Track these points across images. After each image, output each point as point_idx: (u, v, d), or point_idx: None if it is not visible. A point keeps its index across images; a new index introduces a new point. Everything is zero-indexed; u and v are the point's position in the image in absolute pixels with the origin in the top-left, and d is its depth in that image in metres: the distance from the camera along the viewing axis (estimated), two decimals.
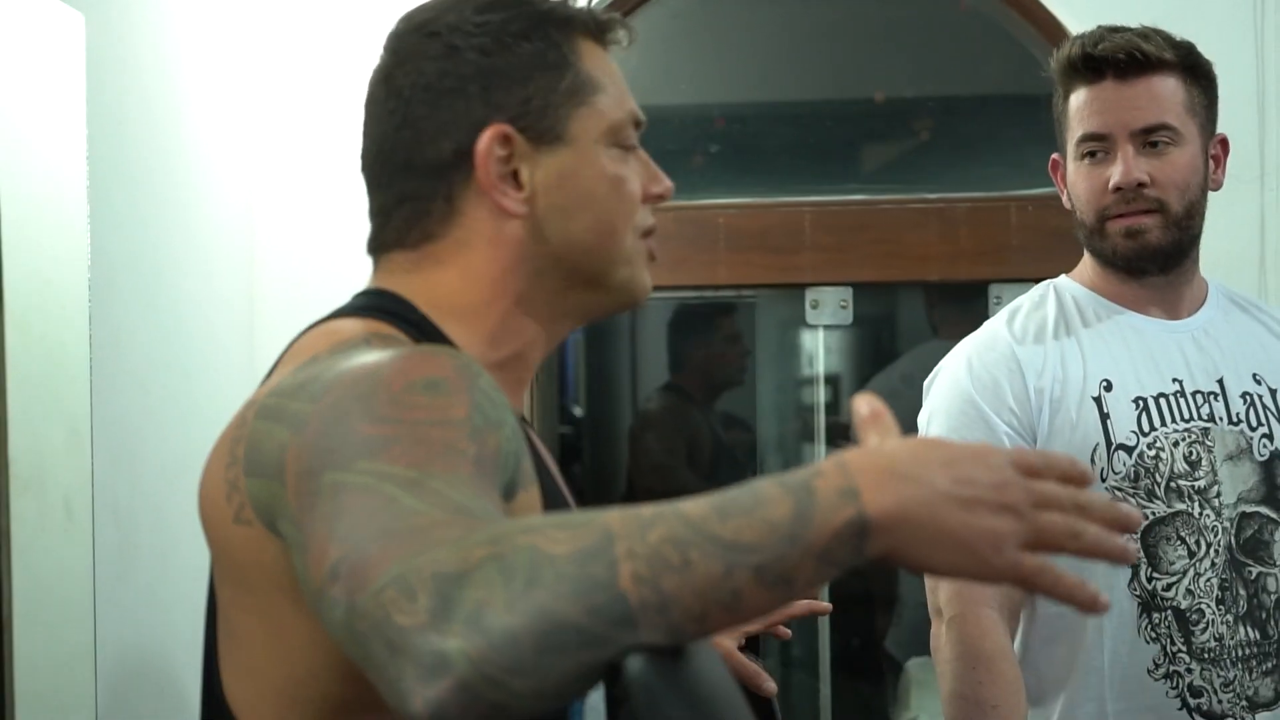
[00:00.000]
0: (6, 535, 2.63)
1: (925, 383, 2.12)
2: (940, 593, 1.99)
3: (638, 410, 4.57)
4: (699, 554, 0.87)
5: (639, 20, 3.72)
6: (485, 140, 1.21)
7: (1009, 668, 1.95)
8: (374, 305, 1.23)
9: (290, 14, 3.49)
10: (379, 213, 1.26)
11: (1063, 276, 2.14)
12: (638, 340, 4.46)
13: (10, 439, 2.47)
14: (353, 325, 1.19)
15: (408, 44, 1.25)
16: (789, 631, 1.57)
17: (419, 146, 1.22)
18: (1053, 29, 3.58)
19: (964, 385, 2.03)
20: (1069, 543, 0.93)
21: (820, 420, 3.87)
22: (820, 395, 3.86)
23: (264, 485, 1.05)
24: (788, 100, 4.11)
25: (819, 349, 3.84)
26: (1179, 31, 2.09)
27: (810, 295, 3.75)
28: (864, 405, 1.00)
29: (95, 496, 2.57)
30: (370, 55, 1.32)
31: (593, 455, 4.50)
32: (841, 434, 4.08)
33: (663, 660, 0.88)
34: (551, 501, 1.18)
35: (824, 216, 3.71)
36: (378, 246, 1.27)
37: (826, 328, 3.81)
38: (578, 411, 4.76)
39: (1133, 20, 2.09)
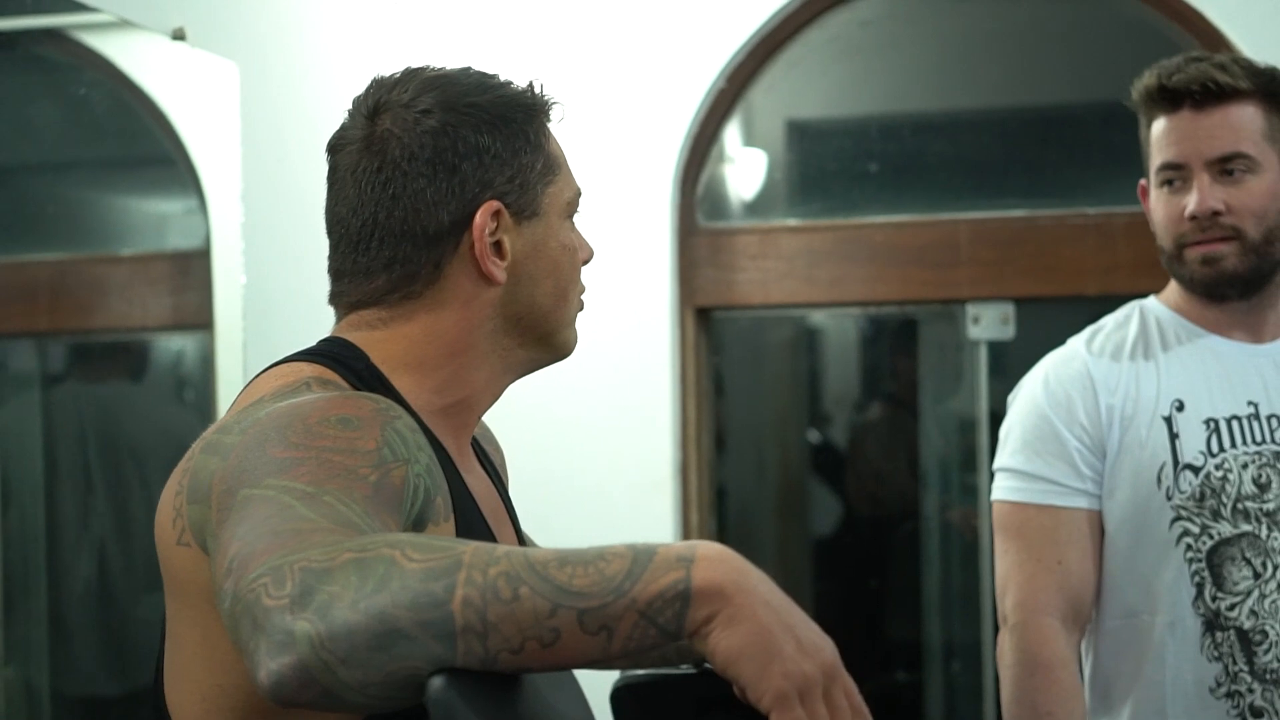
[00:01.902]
0: None
1: (1009, 397, 2.16)
2: (1006, 600, 2.03)
3: (858, 419, 4.70)
4: (529, 591, 0.95)
5: (802, 38, 3.80)
6: (482, 214, 1.33)
7: (1066, 676, 1.98)
8: (328, 352, 1.35)
9: (436, 53, 3.66)
10: (358, 271, 1.36)
11: (1151, 297, 2.16)
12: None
13: None
14: (300, 369, 1.31)
15: (399, 117, 1.34)
16: None
17: (415, 215, 1.32)
18: (1216, 42, 3.52)
19: (1039, 400, 2.08)
20: None
21: (983, 436, 3.86)
22: (984, 411, 3.85)
23: (198, 510, 1.17)
24: (946, 110, 4.12)
25: (980, 364, 3.84)
26: None
27: (971, 311, 3.76)
28: None
29: None
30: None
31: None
32: None
33: (474, 683, 0.93)
34: (471, 536, 1.27)
35: (982, 231, 3.73)
36: (350, 302, 1.38)
37: (989, 343, 3.81)
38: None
39: None
